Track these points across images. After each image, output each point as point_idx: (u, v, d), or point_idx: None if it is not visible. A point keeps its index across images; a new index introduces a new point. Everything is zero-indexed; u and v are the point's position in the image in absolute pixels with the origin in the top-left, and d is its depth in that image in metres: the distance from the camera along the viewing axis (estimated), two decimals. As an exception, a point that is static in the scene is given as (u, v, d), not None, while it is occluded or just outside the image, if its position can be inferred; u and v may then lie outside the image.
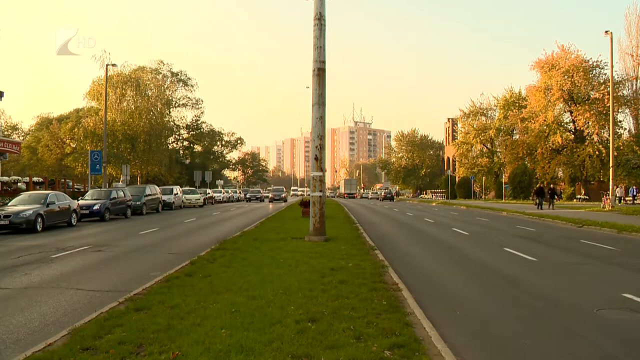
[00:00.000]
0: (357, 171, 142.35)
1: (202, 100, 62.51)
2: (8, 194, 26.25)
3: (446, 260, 11.42)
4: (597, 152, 47.54)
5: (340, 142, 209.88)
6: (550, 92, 49.71)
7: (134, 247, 13.14)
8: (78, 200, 22.78)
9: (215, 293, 6.84)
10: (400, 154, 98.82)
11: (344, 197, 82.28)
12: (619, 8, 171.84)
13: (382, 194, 73.28)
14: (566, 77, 48.33)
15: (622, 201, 39.49)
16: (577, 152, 49.27)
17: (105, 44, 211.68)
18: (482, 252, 12.51)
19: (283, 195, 56.13)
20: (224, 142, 73.20)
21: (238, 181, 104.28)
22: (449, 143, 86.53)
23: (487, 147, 65.65)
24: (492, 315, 6.69)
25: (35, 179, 34.69)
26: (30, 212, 17.36)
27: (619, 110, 48.73)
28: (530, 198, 44.32)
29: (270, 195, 55.68)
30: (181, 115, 62.46)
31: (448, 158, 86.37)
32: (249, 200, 56.70)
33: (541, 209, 30.54)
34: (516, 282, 8.92)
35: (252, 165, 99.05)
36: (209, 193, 43.65)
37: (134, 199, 26.75)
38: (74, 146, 56.60)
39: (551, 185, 38.64)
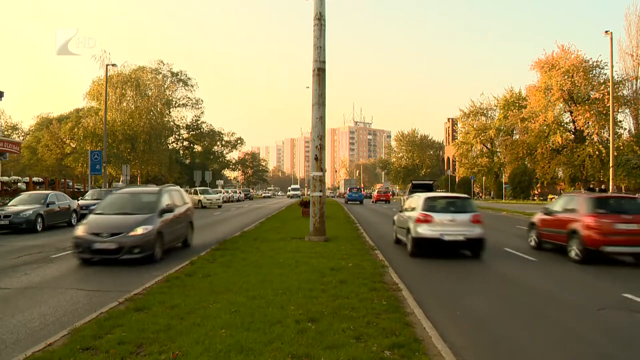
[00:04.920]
0: (357, 171, 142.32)
1: (202, 100, 62.45)
2: (8, 194, 26.24)
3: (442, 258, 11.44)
4: (597, 152, 47.59)
5: (340, 142, 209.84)
6: (550, 92, 49.76)
7: (134, 247, 13.10)
8: (78, 200, 22.76)
9: (215, 293, 6.84)
10: (400, 154, 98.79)
11: (344, 197, 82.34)
12: (619, 8, 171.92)
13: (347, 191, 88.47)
14: (566, 77, 48.38)
15: None
16: (577, 152, 49.32)
17: (105, 44, 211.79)
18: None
19: (138, 234, 10.14)
20: (224, 142, 73.12)
21: (238, 181, 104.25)
22: (449, 143, 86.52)
23: (487, 147, 65.68)
24: (487, 312, 6.68)
25: (35, 179, 34.70)
26: (31, 212, 17.35)
27: (619, 110, 48.75)
28: None
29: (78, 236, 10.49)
30: (181, 115, 62.42)
31: (448, 158, 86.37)
32: None
33: None
34: (516, 281, 8.92)
35: (252, 165, 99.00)
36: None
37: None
38: (74, 146, 56.57)
39: (602, 187, 36.52)
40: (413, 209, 12.22)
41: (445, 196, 13.40)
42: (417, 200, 12.43)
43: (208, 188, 43.24)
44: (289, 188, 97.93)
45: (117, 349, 4.64)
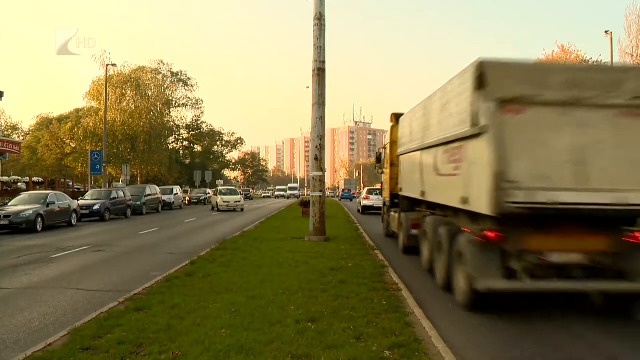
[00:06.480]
0: (357, 171, 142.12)
1: (202, 100, 62.15)
2: (8, 194, 26.23)
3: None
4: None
5: (340, 142, 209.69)
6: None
7: (134, 247, 13.14)
8: (78, 200, 22.76)
9: (215, 293, 6.84)
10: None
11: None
12: (619, 8, 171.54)
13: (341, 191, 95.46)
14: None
15: None
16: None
17: (105, 44, 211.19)
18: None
19: None
20: (224, 142, 72.95)
21: (238, 181, 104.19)
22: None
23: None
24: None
25: (35, 179, 34.72)
26: (31, 212, 17.35)
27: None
28: None
29: None
30: (181, 115, 62.09)
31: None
32: None
33: None
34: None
35: (252, 165, 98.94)
36: (209, 193, 43.66)
37: (134, 199, 26.72)
38: (74, 146, 56.43)
39: None
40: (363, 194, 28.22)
41: (374, 188, 28.73)
42: (364, 191, 29.50)
43: (234, 188, 41.15)
44: (276, 188, 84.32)
45: (117, 349, 4.63)
